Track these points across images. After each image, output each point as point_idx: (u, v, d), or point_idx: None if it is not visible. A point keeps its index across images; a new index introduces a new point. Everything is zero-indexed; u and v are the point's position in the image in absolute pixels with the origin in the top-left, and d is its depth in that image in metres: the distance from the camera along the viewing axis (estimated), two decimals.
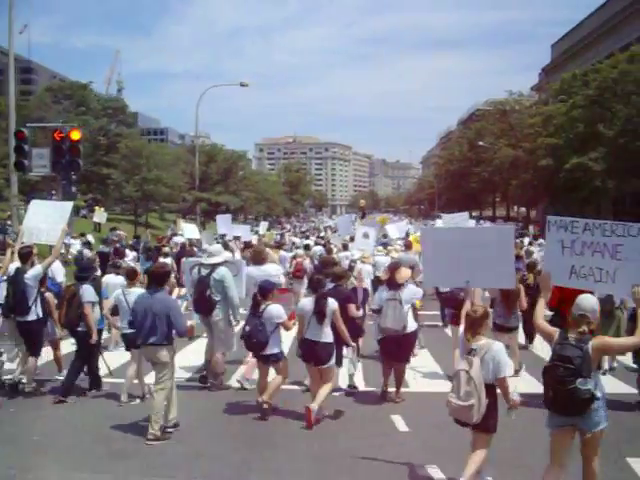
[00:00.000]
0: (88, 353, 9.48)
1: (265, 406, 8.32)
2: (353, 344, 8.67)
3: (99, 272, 15.04)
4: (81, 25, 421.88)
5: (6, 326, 9.62)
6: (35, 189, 37.58)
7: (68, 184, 19.49)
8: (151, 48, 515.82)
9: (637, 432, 7.79)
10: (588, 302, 5.56)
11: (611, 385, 8.91)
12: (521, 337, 11.84)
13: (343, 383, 9.68)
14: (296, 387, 9.57)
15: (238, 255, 16.53)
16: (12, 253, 10.12)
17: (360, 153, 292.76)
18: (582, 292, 5.88)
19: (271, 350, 8.36)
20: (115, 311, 9.55)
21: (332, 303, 8.32)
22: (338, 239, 24.76)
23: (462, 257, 7.35)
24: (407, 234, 25.70)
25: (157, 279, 7.99)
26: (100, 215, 39.02)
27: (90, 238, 28.93)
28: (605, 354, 6.76)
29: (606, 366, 10.39)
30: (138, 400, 9.00)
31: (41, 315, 9.42)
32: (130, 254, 20.26)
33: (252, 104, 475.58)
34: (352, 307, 9.19)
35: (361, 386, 9.87)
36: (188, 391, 9.40)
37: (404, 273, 9.40)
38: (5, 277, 9.67)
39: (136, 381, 9.20)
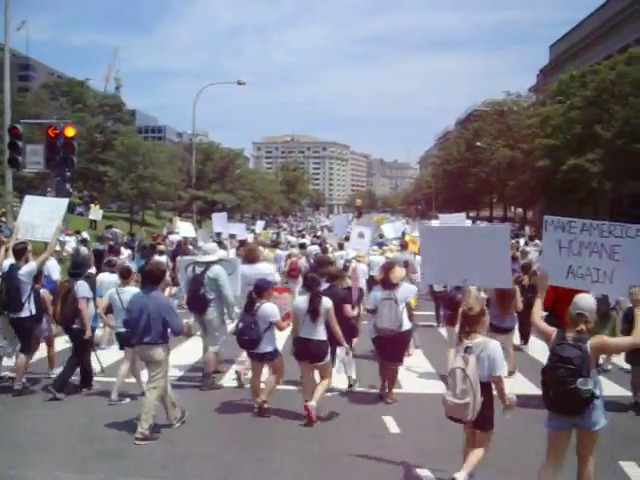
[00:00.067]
0: (82, 350, 9.44)
1: (265, 405, 8.35)
2: (347, 345, 8.60)
3: (94, 270, 14.98)
4: (81, 23, 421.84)
5: (0, 322, 9.59)
6: (30, 186, 37.39)
7: (62, 181, 19.36)
8: (151, 47, 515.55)
9: (630, 436, 7.74)
10: (586, 301, 5.57)
11: (605, 387, 8.81)
12: (516, 338, 11.80)
13: (335, 384, 9.59)
14: (289, 387, 9.48)
15: (232, 253, 16.45)
16: (6, 250, 10.08)
17: (358, 153, 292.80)
18: (576, 293, 5.85)
19: (265, 348, 8.34)
20: (109, 309, 9.49)
21: (326, 302, 8.30)
22: (334, 238, 24.69)
23: (459, 256, 7.35)
24: (403, 234, 25.62)
25: (152, 278, 7.95)
26: (96, 212, 38.91)
27: (85, 235, 28.84)
28: (602, 353, 6.75)
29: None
30: (128, 399, 8.93)
31: (34, 312, 9.40)
32: (125, 252, 20.19)
33: (250, 103, 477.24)
34: (348, 307, 9.20)
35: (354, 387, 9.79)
36: (179, 390, 9.23)
37: (398, 273, 9.36)
38: None
39: (127, 380, 9.13)
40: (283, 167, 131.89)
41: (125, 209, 57.20)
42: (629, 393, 9.12)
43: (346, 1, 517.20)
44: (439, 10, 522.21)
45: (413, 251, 16.91)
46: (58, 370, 9.81)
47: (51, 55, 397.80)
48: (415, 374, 10.68)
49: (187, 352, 11.49)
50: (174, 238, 25.34)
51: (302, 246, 22.50)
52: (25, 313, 9.27)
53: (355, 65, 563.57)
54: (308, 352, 8.28)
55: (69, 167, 18.84)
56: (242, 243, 20.78)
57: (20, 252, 9.49)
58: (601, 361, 10.40)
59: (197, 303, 9.87)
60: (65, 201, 11.19)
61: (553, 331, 5.59)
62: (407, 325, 9.18)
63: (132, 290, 9.00)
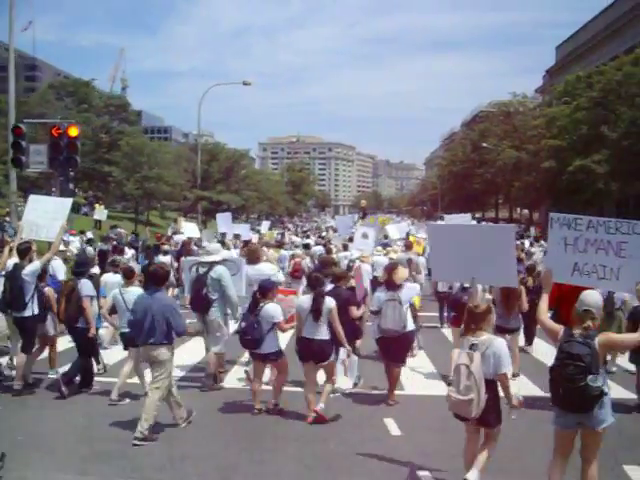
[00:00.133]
0: (85, 349, 9.47)
1: (279, 408, 8.47)
2: (348, 347, 8.53)
3: (98, 270, 14.97)
4: (86, 23, 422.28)
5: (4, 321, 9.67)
6: (35, 186, 37.46)
7: (65, 181, 19.42)
8: (156, 47, 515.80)
9: (635, 438, 7.65)
10: (592, 298, 5.57)
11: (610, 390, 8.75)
12: (520, 340, 11.70)
13: (337, 384, 9.51)
14: (293, 388, 9.40)
15: (235, 252, 16.41)
16: (10, 249, 10.14)
17: (364, 153, 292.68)
18: (580, 291, 5.81)
19: (268, 349, 8.34)
20: (113, 310, 9.48)
21: (329, 302, 8.27)
22: (339, 239, 24.65)
23: (467, 254, 7.42)
24: (407, 235, 25.58)
25: (156, 279, 7.93)
26: (100, 212, 39.03)
27: (90, 235, 28.88)
28: (610, 350, 6.73)
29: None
30: (128, 400, 8.88)
31: (37, 312, 9.41)
32: (129, 252, 20.19)
33: (257, 103, 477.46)
34: (353, 309, 9.22)
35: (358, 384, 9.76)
36: (180, 390, 9.20)
37: (402, 273, 9.32)
38: (3, 272, 9.77)
39: (129, 380, 9.10)
40: (289, 168, 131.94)
41: (130, 209, 57.27)
42: (634, 395, 9.03)
43: (355, 1, 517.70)
44: (445, 11, 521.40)
45: (417, 252, 16.84)
46: (61, 370, 9.83)
47: (57, 55, 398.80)
48: (417, 375, 10.61)
49: (189, 352, 11.44)
50: (179, 238, 25.33)
51: (306, 246, 22.45)
52: (28, 312, 9.29)
53: (361, 65, 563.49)
54: (311, 352, 8.25)
55: (72, 167, 18.83)
56: (246, 243, 20.74)
57: (24, 252, 9.51)
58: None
59: (200, 303, 9.83)
60: (69, 201, 11.22)
61: (560, 329, 5.57)
62: (411, 326, 9.16)
63: (135, 290, 9.00)
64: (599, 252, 6.11)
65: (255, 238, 25.64)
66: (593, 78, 38.29)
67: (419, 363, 11.32)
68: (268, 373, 9.31)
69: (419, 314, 11.86)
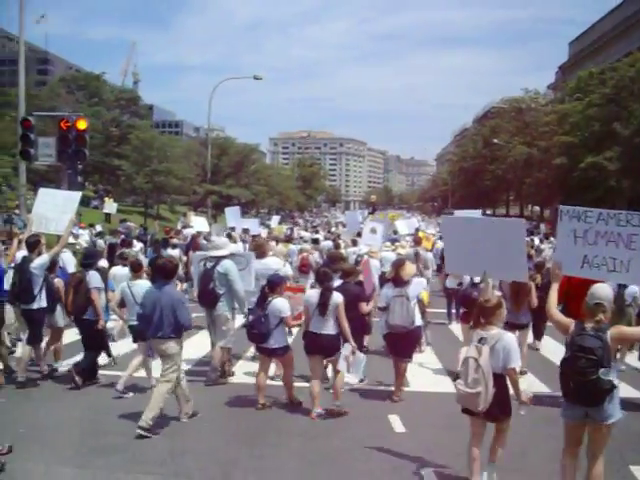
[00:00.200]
0: (95, 341, 9.51)
1: (297, 401, 8.55)
2: (353, 344, 8.44)
3: (106, 263, 14.96)
4: (99, 17, 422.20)
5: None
6: (45, 179, 37.53)
7: (74, 174, 19.41)
8: (168, 41, 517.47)
9: None
10: (603, 291, 5.54)
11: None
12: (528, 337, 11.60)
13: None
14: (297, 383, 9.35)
15: (241, 246, 16.36)
16: (19, 242, 10.20)
17: (375, 149, 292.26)
18: (588, 285, 5.77)
19: (276, 344, 8.32)
20: (122, 303, 9.47)
21: (337, 297, 8.24)
22: (348, 234, 24.58)
23: (479, 247, 7.47)
24: (417, 230, 25.50)
25: (165, 273, 7.90)
26: (110, 206, 39.04)
27: (99, 229, 28.89)
28: (621, 343, 6.72)
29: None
30: (132, 393, 8.84)
31: (44, 305, 9.44)
32: (137, 245, 20.16)
33: (268, 98, 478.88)
34: (363, 305, 9.28)
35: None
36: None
37: (409, 269, 9.25)
38: (12, 265, 9.87)
39: (136, 374, 9.08)
40: (299, 163, 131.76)
41: (140, 203, 57.40)
42: None
43: None
44: (458, 7, 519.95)
45: (426, 247, 16.74)
46: (65, 362, 9.88)
47: (70, 49, 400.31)
48: (423, 372, 10.53)
49: (195, 346, 11.40)
50: (188, 232, 25.30)
51: (315, 241, 22.39)
52: (36, 305, 9.32)
53: (372, 61, 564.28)
54: (317, 346, 8.25)
55: (81, 160, 18.84)
56: (255, 238, 20.70)
57: (33, 245, 9.54)
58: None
59: (207, 298, 9.81)
60: (78, 194, 11.23)
61: (571, 322, 5.53)
62: (419, 322, 9.13)
63: (143, 283, 9.01)
64: (609, 244, 6.09)
65: (264, 233, 25.59)
66: (606, 75, 38.11)
67: (426, 359, 11.25)
68: (273, 367, 9.28)
69: (427, 310, 11.77)
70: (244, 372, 10.22)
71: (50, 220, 10.31)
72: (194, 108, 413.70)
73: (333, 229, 39.04)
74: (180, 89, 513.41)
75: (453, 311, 14.93)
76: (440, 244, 22.30)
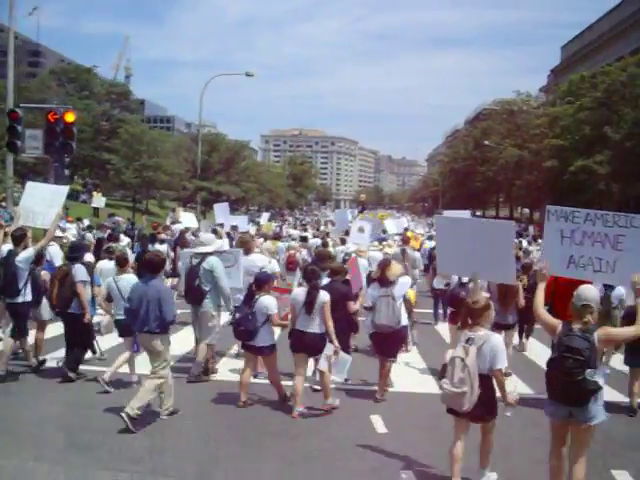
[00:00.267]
0: (80, 335, 9.41)
1: (288, 395, 8.48)
2: (337, 344, 8.35)
3: (93, 258, 14.83)
4: (93, 11, 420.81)
5: None
6: (33, 172, 37.29)
7: (61, 167, 19.18)
8: (162, 36, 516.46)
9: (623, 443, 7.46)
10: (590, 292, 5.53)
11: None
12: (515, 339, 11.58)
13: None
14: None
15: (226, 243, 16.24)
16: (4, 235, 10.05)
17: (366, 148, 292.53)
18: (575, 286, 5.73)
19: (263, 342, 8.26)
20: (109, 297, 9.38)
21: (324, 295, 8.19)
22: (337, 233, 24.54)
23: (470, 248, 7.48)
24: (405, 229, 25.48)
25: (152, 267, 7.85)
26: (98, 200, 38.83)
27: (87, 223, 28.72)
28: (607, 344, 6.71)
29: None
30: (112, 389, 8.71)
31: (29, 299, 9.36)
32: (124, 239, 20.03)
33: (260, 95, 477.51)
34: (350, 304, 9.18)
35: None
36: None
37: (395, 269, 9.18)
38: None
39: (121, 370, 8.97)
40: (290, 160, 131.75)
41: (129, 198, 57.14)
42: (626, 398, 8.88)
43: None
44: (451, 8, 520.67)
45: (413, 247, 16.69)
46: (49, 355, 9.85)
47: (62, 42, 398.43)
48: (407, 372, 10.47)
49: (179, 342, 11.27)
50: (177, 228, 25.17)
51: (303, 239, 22.32)
52: (21, 299, 9.25)
53: (364, 60, 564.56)
54: (303, 344, 8.20)
55: (68, 153, 18.64)
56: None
57: (19, 238, 9.45)
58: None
59: (193, 294, 9.72)
60: (65, 188, 11.19)
61: (558, 323, 5.52)
62: (404, 321, 9.08)
63: (129, 278, 8.97)
64: (595, 245, 6.13)
65: (253, 230, 25.50)
66: (597, 78, 38.24)
67: (411, 359, 11.20)
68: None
69: (414, 310, 11.72)
70: (228, 369, 10.13)
71: (37, 214, 10.24)
72: (186, 104, 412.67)
73: (322, 227, 39.03)
74: (172, 85, 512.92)
75: (440, 311, 14.92)
76: (428, 244, 22.31)
